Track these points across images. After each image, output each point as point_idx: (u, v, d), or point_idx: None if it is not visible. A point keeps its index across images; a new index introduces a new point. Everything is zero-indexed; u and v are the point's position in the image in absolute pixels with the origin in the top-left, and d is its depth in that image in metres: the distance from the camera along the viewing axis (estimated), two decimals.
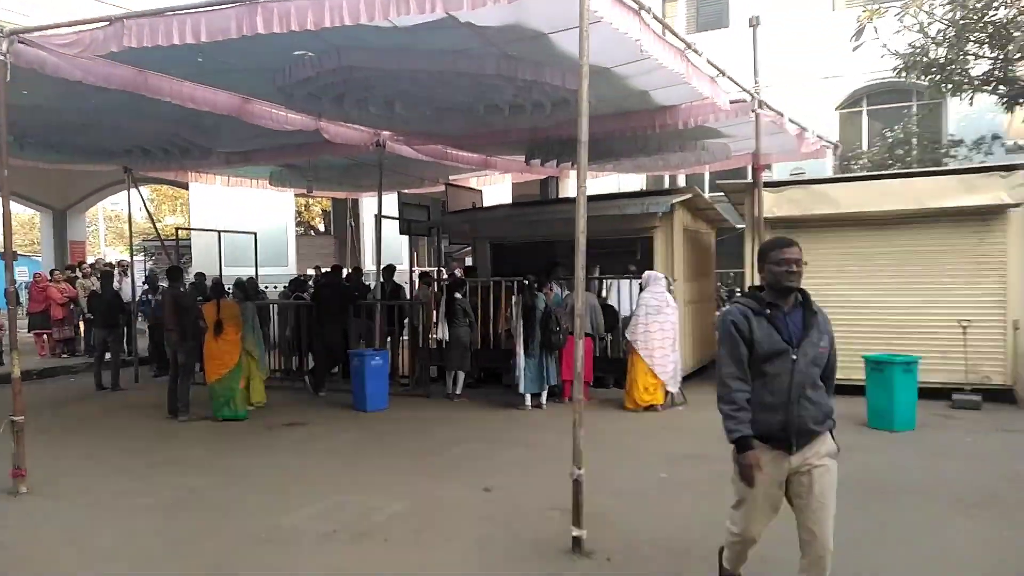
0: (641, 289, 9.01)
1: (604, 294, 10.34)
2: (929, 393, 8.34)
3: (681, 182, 16.64)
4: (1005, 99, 11.65)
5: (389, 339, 10.75)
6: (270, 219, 17.36)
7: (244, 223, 15.42)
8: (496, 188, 15.53)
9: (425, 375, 10.50)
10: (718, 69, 7.50)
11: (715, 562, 3.72)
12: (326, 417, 8.85)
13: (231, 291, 9.93)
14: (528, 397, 8.99)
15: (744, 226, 10.10)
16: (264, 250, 15.20)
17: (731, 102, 8.08)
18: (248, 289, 10.06)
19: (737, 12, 17.65)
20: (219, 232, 14.69)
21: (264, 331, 10.46)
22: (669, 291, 8.92)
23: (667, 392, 8.86)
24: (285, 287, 13.44)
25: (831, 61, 15.91)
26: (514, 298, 9.20)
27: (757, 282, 3.42)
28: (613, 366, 9.79)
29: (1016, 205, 8.40)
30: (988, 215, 8.65)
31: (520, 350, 8.93)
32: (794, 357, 3.14)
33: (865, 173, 13.37)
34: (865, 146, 16.77)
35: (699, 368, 11.06)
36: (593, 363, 9.29)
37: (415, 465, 6.63)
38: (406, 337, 11.15)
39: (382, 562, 4.47)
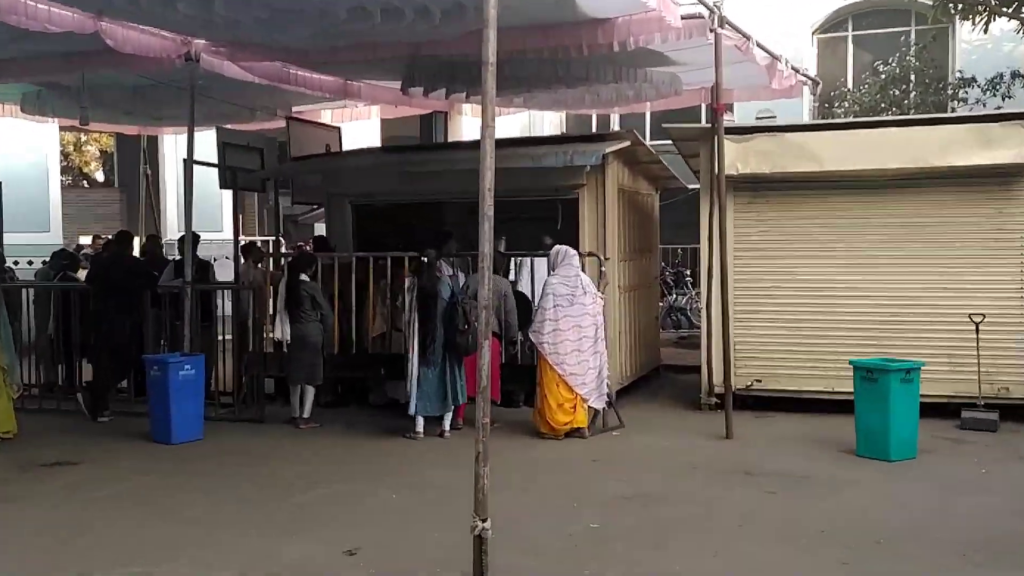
0: (550, 271, 9.06)
1: (513, 278, 10.39)
2: (932, 409, 8.79)
3: (615, 125, 16.95)
4: None
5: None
6: (22, 163, 16.51)
7: None
8: (360, 126, 15.34)
9: (258, 391, 10.25)
10: None
11: None
12: (111, 452, 8.51)
13: None
14: (421, 421, 8.84)
15: (698, 186, 10.39)
16: (13, 209, 14.44)
17: (683, 17, 8.27)
18: None
19: None
20: None
21: (14, 328, 9.94)
22: (601, 271, 9.06)
23: (593, 410, 9.01)
24: (46, 263, 12.80)
25: None
26: (407, 282, 9.05)
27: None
28: (523, 376, 9.74)
29: None
30: (1009, 177, 9.22)
31: (415, 355, 8.81)
32: None
33: (852, 120, 14.03)
34: (851, 83, 17.60)
35: (640, 378, 11.31)
36: (501, 373, 9.30)
37: (247, 518, 6.45)
38: (227, 337, 10.83)
39: None
